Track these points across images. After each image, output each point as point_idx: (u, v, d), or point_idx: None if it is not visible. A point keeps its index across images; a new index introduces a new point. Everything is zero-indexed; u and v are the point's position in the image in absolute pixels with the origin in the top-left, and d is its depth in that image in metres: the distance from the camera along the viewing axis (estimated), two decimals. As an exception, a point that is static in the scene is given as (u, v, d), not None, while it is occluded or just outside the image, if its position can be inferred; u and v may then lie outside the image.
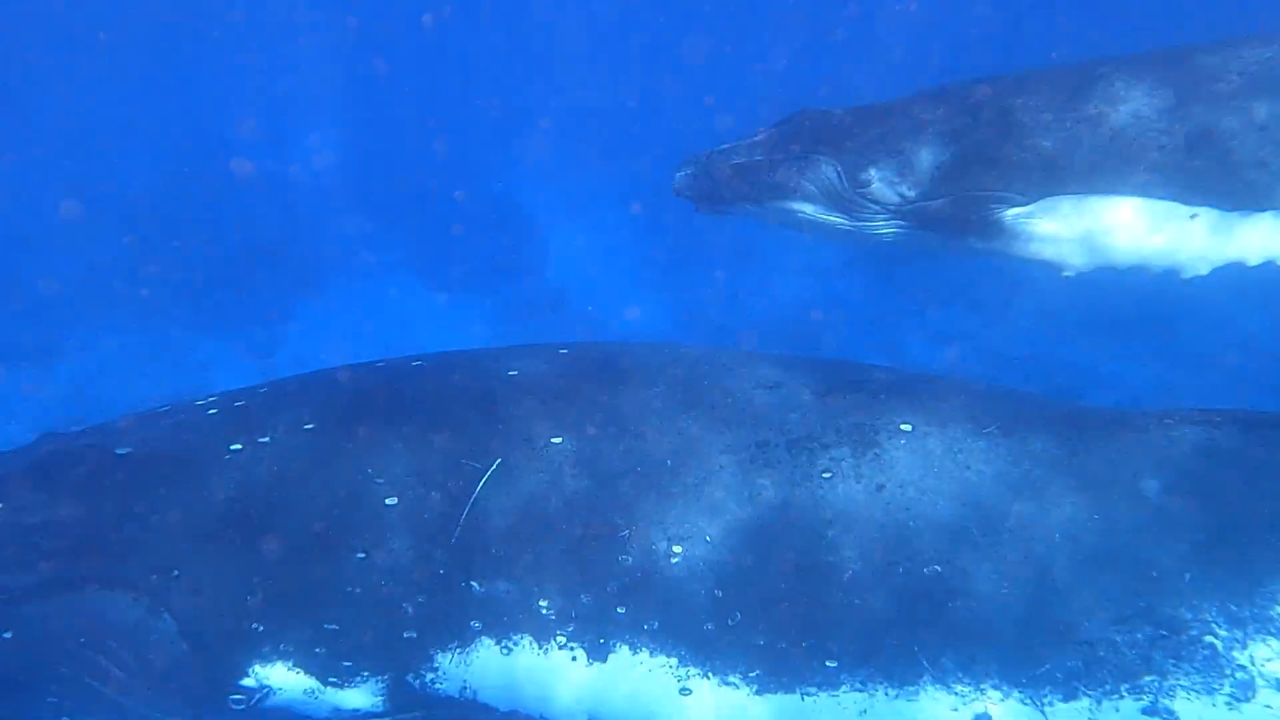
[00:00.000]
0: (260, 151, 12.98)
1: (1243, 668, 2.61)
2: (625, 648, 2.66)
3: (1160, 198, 3.96)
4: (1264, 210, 3.91)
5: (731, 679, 2.65)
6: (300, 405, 2.90)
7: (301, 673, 2.65)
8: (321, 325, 10.05)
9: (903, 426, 2.88)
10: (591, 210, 11.82)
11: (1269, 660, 2.61)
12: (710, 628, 2.64)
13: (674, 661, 2.64)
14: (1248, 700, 2.61)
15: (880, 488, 2.75)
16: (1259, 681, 2.61)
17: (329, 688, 2.69)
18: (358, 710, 2.77)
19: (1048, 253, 4.18)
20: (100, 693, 2.66)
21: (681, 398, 2.93)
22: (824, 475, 2.76)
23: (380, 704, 2.75)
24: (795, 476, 2.76)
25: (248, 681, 2.64)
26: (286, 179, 12.32)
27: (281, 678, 2.65)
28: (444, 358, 3.27)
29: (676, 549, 2.67)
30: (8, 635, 2.59)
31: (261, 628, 2.60)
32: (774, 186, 4.39)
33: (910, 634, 2.63)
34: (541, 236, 11.44)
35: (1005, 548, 2.68)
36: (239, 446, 2.78)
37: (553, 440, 2.77)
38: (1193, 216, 3.97)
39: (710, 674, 2.65)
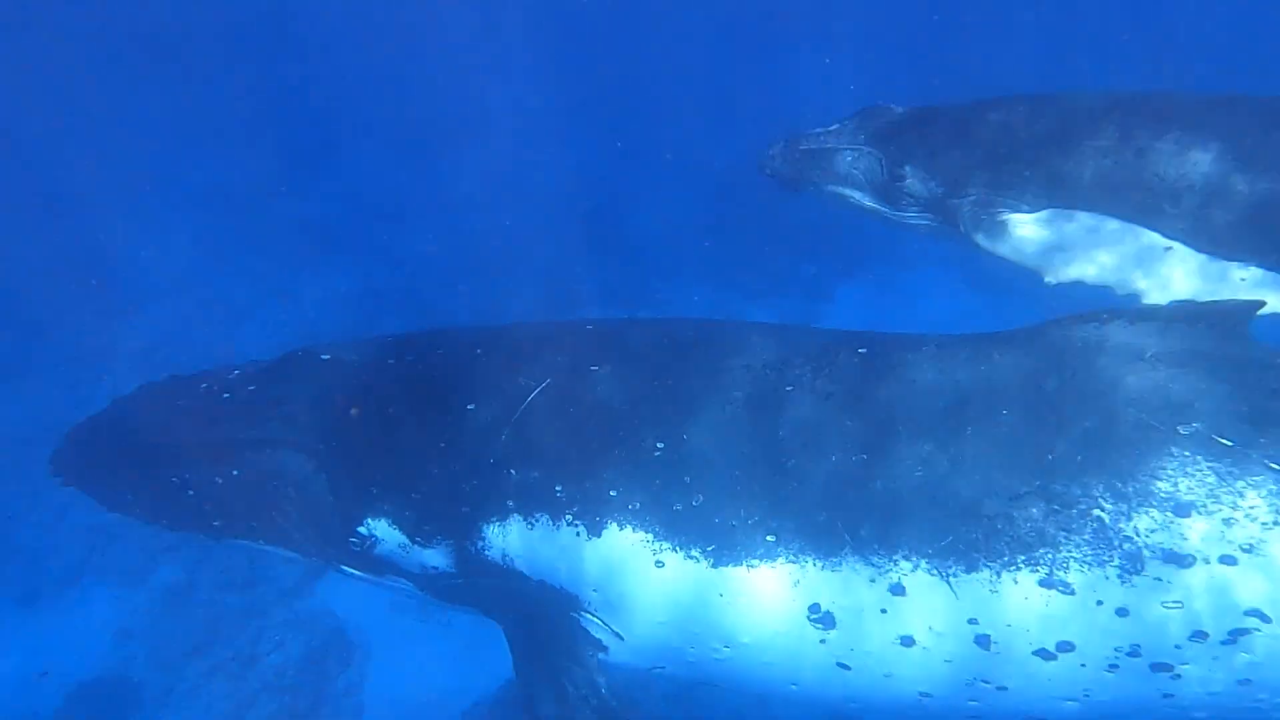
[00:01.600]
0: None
1: (1129, 539, 2.87)
2: (614, 524, 3.21)
3: (1144, 226, 4.36)
4: (1229, 260, 4.28)
5: (693, 553, 3.15)
6: (423, 340, 3.85)
7: (397, 530, 3.47)
8: (856, 307, 10.41)
9: (859, 350, 3.37)
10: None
11: (1153, 531, 2.86)
12: (679, 508, 3.16)
13: (650, 537, 3.18)
14: (1138, 572, 2.86)
15: (828, 395, 3.22)
16: (1146, 553, 2.86)
17: (415, 545, 3.48)
18: (438, 568, 3.53)
19: (1037, 259, 4.60)
20: (278, 524, 3.63)
21: (690, 340, 3.60)
22: (787, 389, 3.26)
23: (451, 565, 3.50)
24: (761, 389, 3.29)
25: (362, 529, 3.49)
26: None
27: (384, 531, 3.48)
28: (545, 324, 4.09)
29: (660, 444, 3.23)
30: (235, 473, 3.57)
31: (375, 490, 3.47)
32: (831, 173, 4.93)
33: (835, 512, 3.06)
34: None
35: (924, 438, 3.08)
36: (393, 362, 3.72)
37: (592, 368, 3.44)
38: (1167, 249, 4.34)
39: (677, 548, 3.17)
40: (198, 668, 6.46)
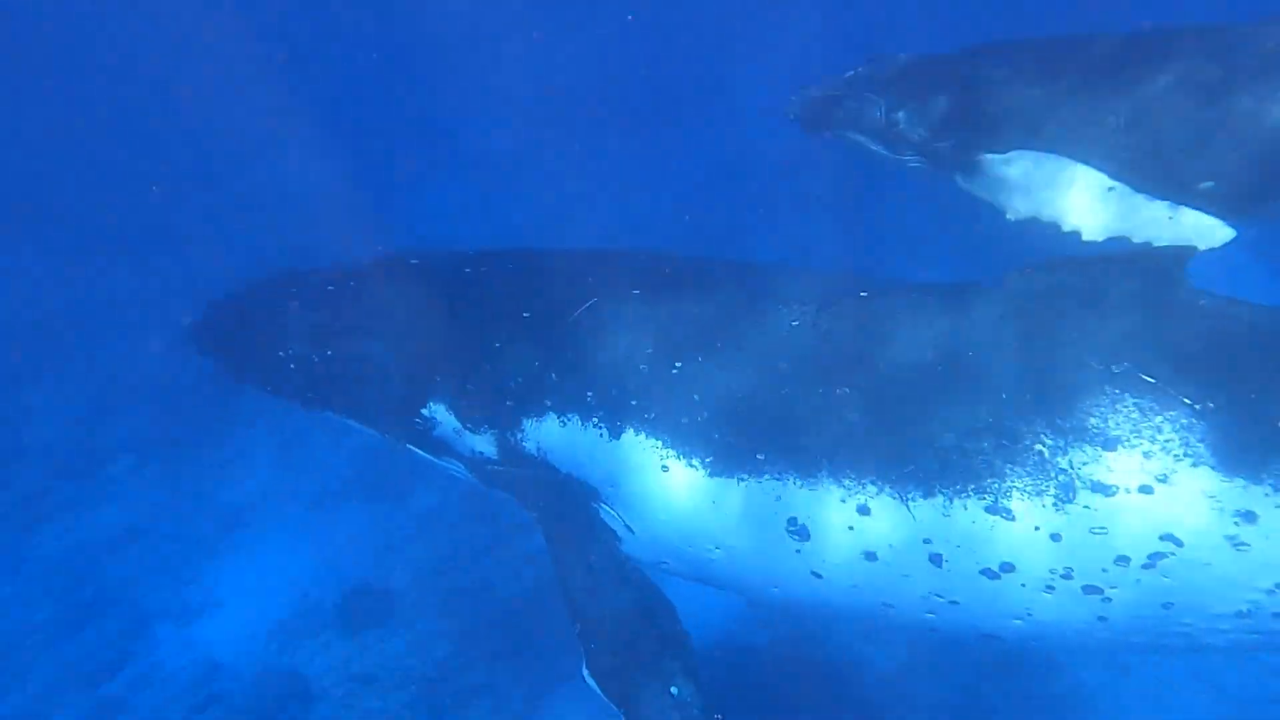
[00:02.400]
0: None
1: (1064, 471, 3.15)
2: (631, 430, 3.63)
3: (1092, 165, 4.53)
4: (1163, 200, 4.39)
5: (694, 462, 3.55)
6: (498, 256, 4.28)
7: (453, 415, 3.97)
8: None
9: (861, 294, 3.67)
10: None
11: (1085, 464, 3.14)
12: (685, 421, 3.55)
13: (659, 444, 3.59)
14: (1070, 501, 3.15)
15: (827, 334, 3.56)
16: (1077, 483, 3.14)
17: (466, 430, 3.97)
18: (483, 454, 4.01)
19: (1003, 196, 4.82)
20: (359, 401, 4.17)
21: (718, 274, 4.02)
22: (793, 324, 3.61)
23: (495, 452, 3.97)
24: (767, 325, 3.64)
25: (425, 411, 3.99)
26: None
27: (442, 415, 3.99)
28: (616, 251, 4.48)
29: (678, 364, 3.62)
30: (329, 353, 4.12)
31: (439, 379, 3.96)
32: (838, 117, 5.18)
33: (816, 438, 3.40)
34: None
35: (897, 377, 3.39)
36: (469, 270, 4.17)
37: (633, 292, 3.84)
38: (1110, 189, 4.48)
39: (680, 456, 3.56)
40: (444, 585, 7.24)
